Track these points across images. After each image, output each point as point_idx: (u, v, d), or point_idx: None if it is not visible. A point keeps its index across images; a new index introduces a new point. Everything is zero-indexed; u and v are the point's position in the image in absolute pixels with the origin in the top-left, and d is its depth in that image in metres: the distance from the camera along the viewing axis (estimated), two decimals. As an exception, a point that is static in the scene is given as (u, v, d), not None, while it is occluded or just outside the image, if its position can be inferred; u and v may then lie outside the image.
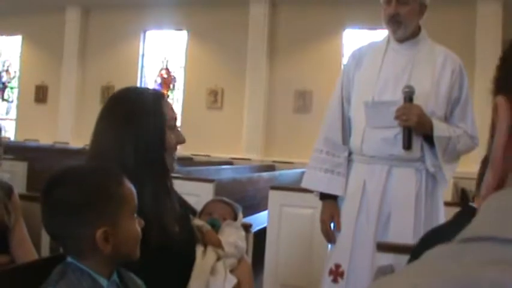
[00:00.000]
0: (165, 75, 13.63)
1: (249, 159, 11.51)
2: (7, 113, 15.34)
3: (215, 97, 12.62)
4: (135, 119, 2.05)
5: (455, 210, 3.54)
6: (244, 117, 12.06)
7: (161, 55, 13.64)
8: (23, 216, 2.89)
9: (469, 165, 4.95)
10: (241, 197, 5.90)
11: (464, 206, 1.91)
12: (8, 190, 2.87)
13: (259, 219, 5.84)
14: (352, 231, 3.07)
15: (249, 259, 2.31)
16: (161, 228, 1.93)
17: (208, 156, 11.84)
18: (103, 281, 1.61)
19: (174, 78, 13.53)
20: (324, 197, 3.26)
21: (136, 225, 1.68)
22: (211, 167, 8.81)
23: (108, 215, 1.61)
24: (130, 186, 1.70)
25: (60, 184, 1.66)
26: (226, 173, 8.40)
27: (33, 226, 3.01)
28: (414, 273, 0.56)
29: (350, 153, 3.23)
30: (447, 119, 3.10)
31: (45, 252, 3.15)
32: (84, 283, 1.57)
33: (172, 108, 2.16)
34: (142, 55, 13.75)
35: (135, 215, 1.70)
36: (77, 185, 1.64)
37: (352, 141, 3.19)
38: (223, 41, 12.50)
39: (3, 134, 2.77)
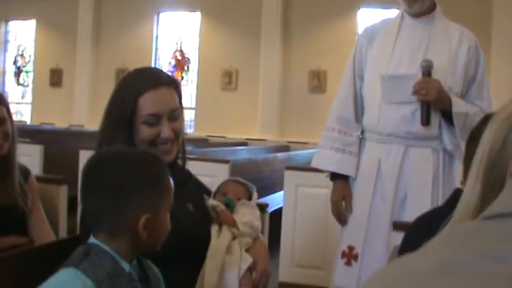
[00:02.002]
0: (179, 57, 13.62)
1: (264, 140, 11.51)
2: (23, 97, 15.42)
3: (229, 78, 12.59)
4: (113, 108, 2.07)
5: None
6: (259, 98, 12.04)
7: (175, 37, 13.62)
8: (40, 198, 2.92)
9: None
10: (256, 177, 5.91)
11: (457, 188, 1.91)
12: (25, 172, 2.89)
13: (275, 200, 5.85)
14: (367, 212, 3.02)
15: (265, 239, 2.31)
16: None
17: (224, 137, 11.86)
18: (125, 265, 1.61)
19: (188, 59, 13.51)
20: (334, 177, 3.20)
21: (169, 219, 1.69)
22: (226, 148, 8.83)
23: (153, 203, 1.62)
24: (171, 178, 1.71)
25: (112, 163, 1.65)
26: (242, 154, 8.41)
27: (51, 208, 3.04)
28: (436, 250, 0.56)
29: (362, 132, 3.17)
30: (463, 96, 3.04)
31: (63, 233, 3.18)
32: (106, 265, 1.56)
33: (157, 102, 2.04)
34: (156, 37, 13.74)
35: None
36: (131, 167, 1.64)
37: (366, 119, 3.14)
38: (237, 22, 12.45)
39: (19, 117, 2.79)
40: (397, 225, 2.61)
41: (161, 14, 13.71)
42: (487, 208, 0.58)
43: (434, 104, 2.91)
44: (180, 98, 2.16)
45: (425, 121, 2.91)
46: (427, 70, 2.90)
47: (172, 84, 2.11)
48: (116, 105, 2.06)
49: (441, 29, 3.08)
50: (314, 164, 3.31)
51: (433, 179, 2.98)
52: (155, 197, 1.63)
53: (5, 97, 2.91)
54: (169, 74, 2.26)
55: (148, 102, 2.02)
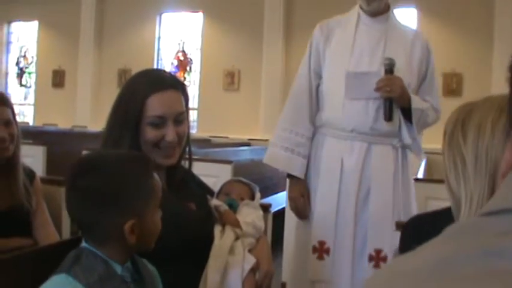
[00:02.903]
0: (182, 58, 13.63)
1: (266, 140, 11.49)
2: (25, 98, 15.45)
3: (232, 78, 12.61)
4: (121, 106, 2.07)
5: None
6: (262, 98, 12.05)
7: (177, 37, 13.64)
8: (43, 199, 2.92)
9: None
10: (259, 178, 5.90)
11: None
12: (30, 174, 2.90)
13: (278, 200, 5.84)
14: (334, 208, 3.07)
15: (268, 239, 2.31)
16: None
17: (226, 137, 11.85)
18: (117, 267, 1.61)
19: (191, 60, 13.53)
20: (291, 174, 3.26)
21: (159, 218, 1.68)
22: (229, 148, 8.82)
23: (138, 207, 1.60)
24: (157, 177, 1.68)
25: (93, 170, 1.61)
26: (244, 154, 8.40)
27: (54, 209, 3.04)
28: (435, 248, 0.56)
29: (320, 127, 3.22)
30: (416, 92, 3.17)
31: (67, 234, 3.18)
32: (97, 268, 1.57)
33: (164, 105, 2.05)
34: (159, 38, 13.75)
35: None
36: (111, 173, 1.60)
37: (327, 115, 3.16)
38: (239, 22, 12.46)
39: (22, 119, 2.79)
40: (400, 225, 2.62)
41: (163, 15, 13.73)
42: (484, 206, 0.58)
43: (397, 101, 3.02)
44: (187, 102, 2.17)
45: (388, 117, 3.00)
46: (390, 68, 3.00)
47: (180, 88, 2.12)
48: (122, 106, 2.06)
49: (396, 28, 3.20)
50: (265, 161, 3.37)
51: (393, 175, 3.08)
52: (138, 202, 1.60)
53: (9, 99, 2.91)
54: (177, 77, 2.25)
55: (155, 104, 2.02)
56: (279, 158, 3.24)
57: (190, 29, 13.46)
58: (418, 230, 1.94)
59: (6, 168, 2.73)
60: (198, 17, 13.25)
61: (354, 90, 3.06)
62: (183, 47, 13.62)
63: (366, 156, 3.07)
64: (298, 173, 3.19)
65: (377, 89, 2.98)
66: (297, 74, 3.33)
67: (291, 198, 3.24)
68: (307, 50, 3.29)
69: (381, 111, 3.02)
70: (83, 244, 1.63)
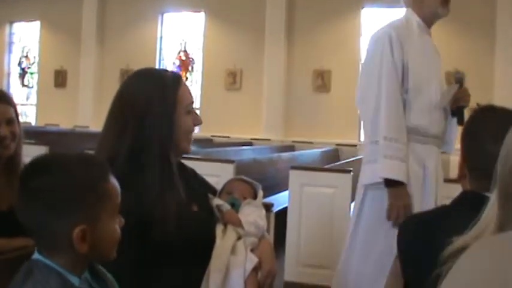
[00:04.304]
0: (184, 58, 13.63)
1: (268, 140, 11.51)
2: (27, 98, 15.45)
3: (234, 78, 12.60)
4: (141, 108, 2.04)
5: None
6: (264, 98, 12.04)
7: (179, 37, 13.64)
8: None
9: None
10: (261, 177, 5.88)
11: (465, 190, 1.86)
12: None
13: (280, 200, 5.85)
14: (419, 209, 3.15)
15: (270, 238, 2.30)
16: (168, 218, 1.92)
17: (228, 137, 11.86)
18: (74, 279, 1.50)
19: (193, 60, 13.53)
20: (396, 183, 3.17)
21: (117, 225, 1.56)
22: (231, 148, 8.81)
23: (89, 212, 1.49)
24: (115, 181, 1.58)
25: (43, 172, 1.52)
26: (246, 154, 8.40)
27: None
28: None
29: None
30: None
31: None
32: (52, 282, 1.46)
33: (189, 92, 2.18)
34: (161, 38, 13.76)
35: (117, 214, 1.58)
36: (61, 175, 1.50)
37: (415, 123, 3.28)
38: (241, 22, 12.46)
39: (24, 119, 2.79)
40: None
41: (165, 15, 13.73)
42: None
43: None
44: None
45: (463, 122, 3.26)
46: (461, 80, 3.40)
47: None
48: (153, 102, 2.06)
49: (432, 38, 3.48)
50: (391, 176, 3.20)
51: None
52: (90, 205, 1.49)
53: (12, 98, 2.91)
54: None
55: (186, 93, 2.14)
56: (401, 169, 3.18)
57: (192, 28, 13.46)
58: (415, 229, 1.93)
59: (8, 166, 2.73)
60: (200, 17, 13.25)
61: (444, 99, 3.35)
62: (185, 47, 13.63)
63: (438, 158, 3.37)
64: (406, 181, 3.21)
65: (457, 99, 3.33)
66: (381, 77, 3.25)
67: (406, 206, 3.17)
68: (385, 58, 3.25)
69: (450, 117, 3.39)
70: (35, 255, 1.53)
